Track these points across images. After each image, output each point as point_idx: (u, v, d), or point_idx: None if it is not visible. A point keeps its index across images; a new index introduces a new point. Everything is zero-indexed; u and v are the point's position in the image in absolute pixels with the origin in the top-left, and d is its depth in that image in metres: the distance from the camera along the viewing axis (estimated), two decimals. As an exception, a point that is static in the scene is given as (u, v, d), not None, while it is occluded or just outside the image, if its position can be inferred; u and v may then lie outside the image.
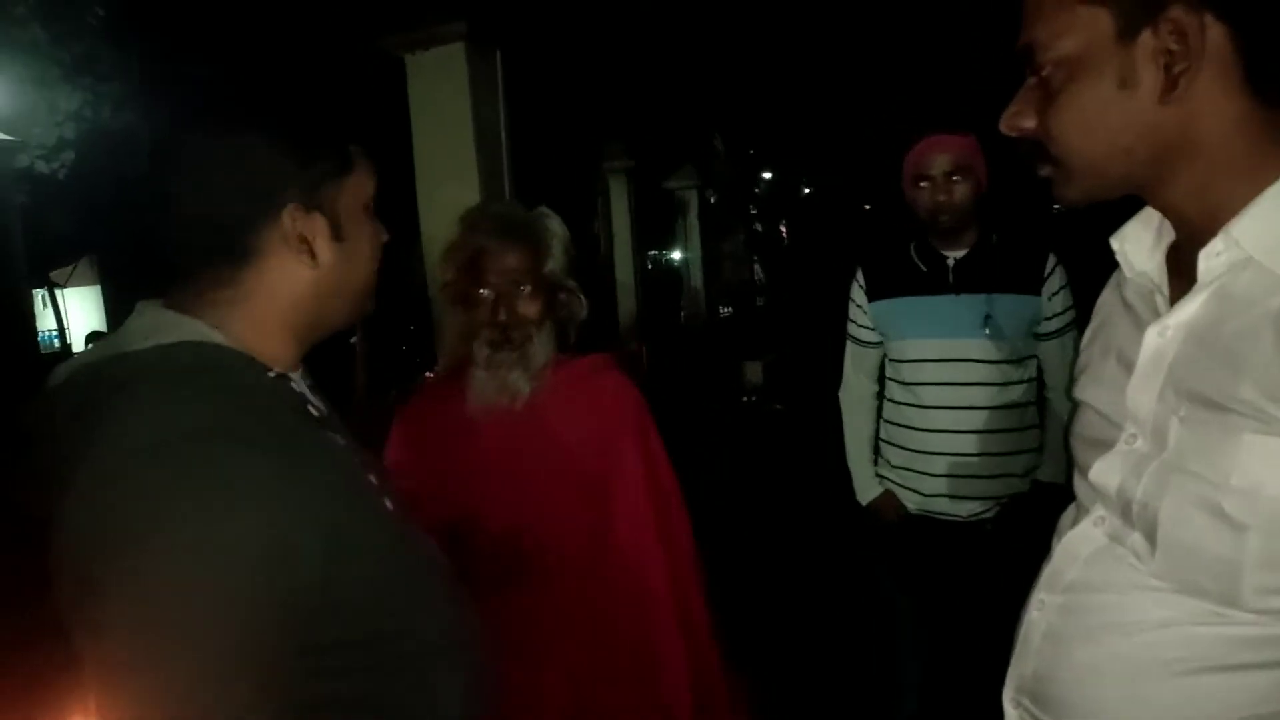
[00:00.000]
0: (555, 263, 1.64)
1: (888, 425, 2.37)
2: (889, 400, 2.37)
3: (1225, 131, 0.84)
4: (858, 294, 2.38)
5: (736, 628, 1.83)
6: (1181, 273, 0.91)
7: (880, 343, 2.36)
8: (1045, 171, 0.91)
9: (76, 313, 12.85)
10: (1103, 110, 0.84)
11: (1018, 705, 1.01)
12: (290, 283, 0.97)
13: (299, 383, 1.02)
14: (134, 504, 0.80)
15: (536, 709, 1.52)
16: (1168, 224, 0.95)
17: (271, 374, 0.97)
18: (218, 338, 0.94)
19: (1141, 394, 0.90)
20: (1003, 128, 0.93)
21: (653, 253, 11.88)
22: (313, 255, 0.97)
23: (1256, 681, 0.81)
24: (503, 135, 3.80)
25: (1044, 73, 0.87)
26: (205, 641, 0.80)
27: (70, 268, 12.68)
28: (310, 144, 0.97)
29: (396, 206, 1.43)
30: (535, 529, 1.58)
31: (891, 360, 2.33)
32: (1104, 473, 0.93)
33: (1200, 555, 0.82)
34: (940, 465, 2.22)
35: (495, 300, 1.59)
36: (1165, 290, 0.94)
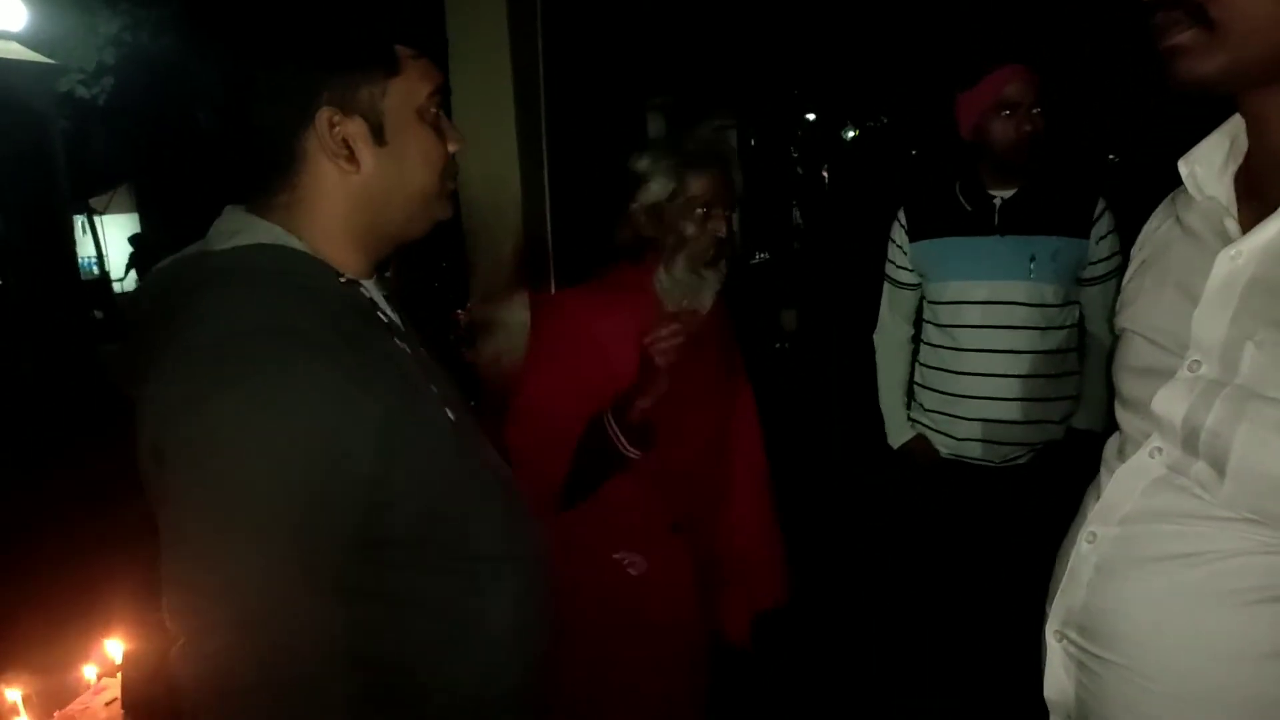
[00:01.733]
0: (738, 191, 1.78)
1: (922, 369, 2.34)
2: (925, 343, 2.33)
3: None
4: (898, 234, 2.33)
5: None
6: (1254, 195, 0.87)
7: (918, 285, 2.32)
8: (1184, 39, 0.83)
9: (115, 239, 13.01)
10: None
11: (1062, 639, 1.00)
12: (339, 188, 0.98)
13: (370, 289, 1.04)
14: (205, 390, 0.84)
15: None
16: (1240, 146, 0.91)
17: (342, 279, 1.00)
18: (293, 242, 0.97)
19: (1211, 320, 0.87)
20: None
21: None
22: (353, 160, 0.97)
23: None
24: (540, 70, 3.73)
25: None
26: (260, 520, 0.85)
27: (109, 195, 12.82)
28: (342, 45, 0.96)
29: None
30: (702, 435, 1.82)
31: (930, 303, 2.29)
32: (1168, 401, 0.90)
33: (1277, 482, 0.80)
34: (975, 409, 2.19)
35: (707, 217, 1.71)
36: (1235, 214, 0.90)
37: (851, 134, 14.15)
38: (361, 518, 0.91)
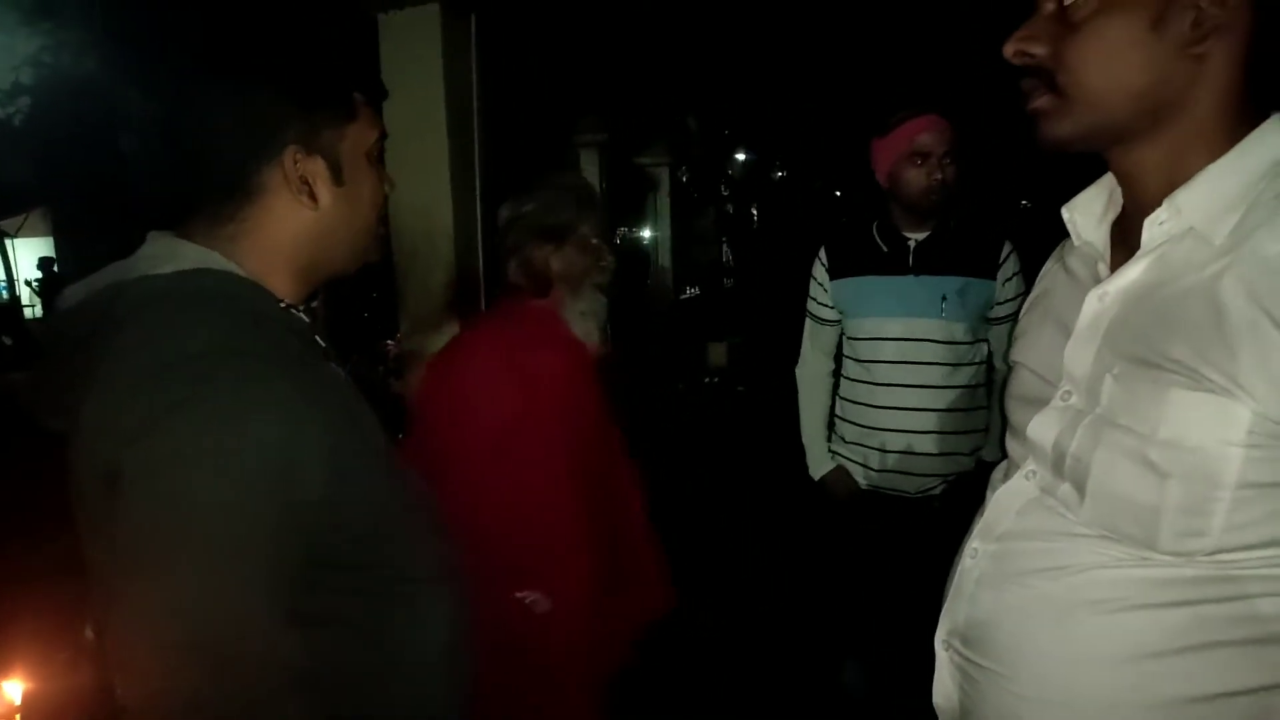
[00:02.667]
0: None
1: (842, 402, 2.42)
2: (845, 378, 2.41)
3: (1214, 102, 0.88)
4: (819, 272, 2.41)
5: (697, 600, 1.92)
6: (1124, 244, 0.96)
7: (838, 321, 2.40)
8: (1042, 103, 0.92)
9: (26, 263, 12.53)
10: (1128, 47, 0.87)
11: (948, 648, 1.06)
12: (291, 222, 1.01)
13: (304, 316, 1.07)
14: (161, 413, 0.84)
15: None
16: (1116, 198, 1.00)
17: (282, 304, 1.02)
18: (234, 268, 0.99)
19: (1078, 354, 0.96)
20: (1008, 51, 0.94)
21: (621, 229, 11.82)
22: (313, 197, 1.00)
23: (1171, 618, 0.87)
24: (474, 102, 3.76)
25: (1067, 2, 0.89)
26: (219, 541, 0.85)
27: (22, 218, 12.36)
28: (313, 88, 0.99)
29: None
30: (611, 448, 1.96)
31: (849, 338, 2.37)
32: (1040, 428, 0.98)
33: (1127, 503, 0.87)
34: (892, 442, 2.27)
35: (600, 249, 1.87)
36: (1107, 259, 0.99)
37: (780, 174, 14.48)
38: (312, 539, 0.92)
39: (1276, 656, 0.85)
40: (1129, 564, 0.89)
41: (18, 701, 1.58)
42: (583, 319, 1.83)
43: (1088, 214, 1.03)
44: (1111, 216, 1.01)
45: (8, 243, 11.95)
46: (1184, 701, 0.87)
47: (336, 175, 1.01)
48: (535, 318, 1.83)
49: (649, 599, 1.99)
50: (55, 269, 11.65)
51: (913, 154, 2.20)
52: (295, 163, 0.98)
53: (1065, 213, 1.05)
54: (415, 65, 3.55)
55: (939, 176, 2.17)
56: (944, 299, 2.20)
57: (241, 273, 0.99)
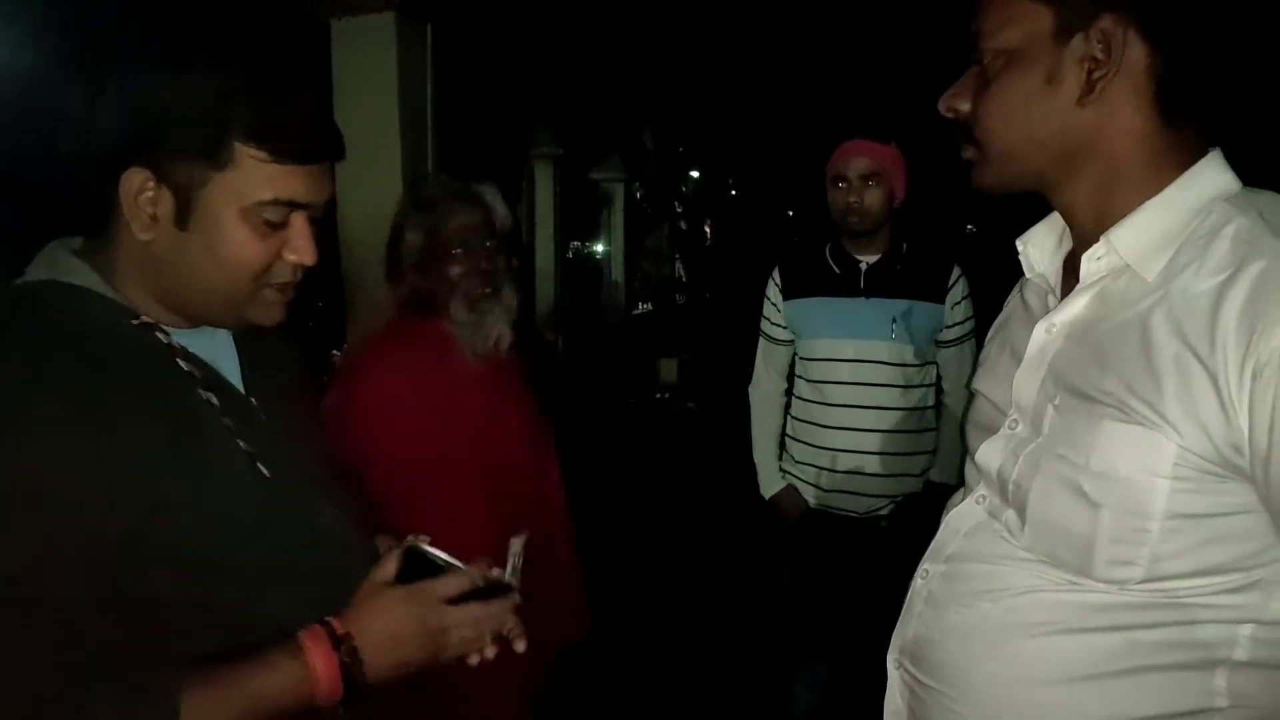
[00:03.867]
0: (500, 221, 1.80)
1: (794, 422, 2.43)
2: (796, 397, 2.43)
3: (1127, 142, 0.91)
4: (773, 292, 2.43)
5: (643, 619, 1.88)
6: (1074, 277, 0.97)
7: (791, 341, 2.42)
8: (968, 154, 0.98)
9: (-41, 264, 12.12)
10: (1026, 102, 0.91)
11: (899, 666, 1.08)
12: (132, 244, 0.94)
13: (171, 337, 0.99)
14: None
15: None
16: (1069, 232, 1.02)
17: (136, 322, 0.96)
18: (87, 279, 0.95)
19: (1025, 384, 0.98)
20: (940, 108, 0.99)
21: (575, 243, 11.81)
22: (149, 228, 0.93)
23: (1104, 642, 0.89)
24: (429, 112, 3.73)
25: (985, 60, 0.94)
26: None
27: (-45, 216, 11.95)
28: (170, 118, 0.91)
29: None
30: (525, 479, 1.82)
31: (801, 359, 2.39)
32: (987, 454, 1.01)
33: (1062, 530, 0.90)
34: (841, 462, 2.29)
35: (467, 257, 1.74)
36: (1058, 291, 1.02)
37: (733, 192, 14.61)
38: (109, 576, 0.85)
39: (1206, 682, 0.86)
40: (1065, 589, 0.91)
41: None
42: (469, 330, 1.74)
43: (1041, 247, 1.06)
44: (1065, 250, 1.04)
45: (-63, 241, 11.53)
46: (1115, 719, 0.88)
47: (180, 217, 0.93)
48: (417, 338, 1.76)
49: (566, 623, 1.91)
50: (-13, 270, 11.28)
51: (833, 177, 2.26)
52: (140, 188, 0.91)
53: (1019, 245, 1.07)
54: (369, 73, 3.50)
55: (853, 200, 2.22)
56: (894, 321, 2.23)
57: (98, 285, 0.95)
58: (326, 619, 0.97)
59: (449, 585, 1.03)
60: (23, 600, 0.80)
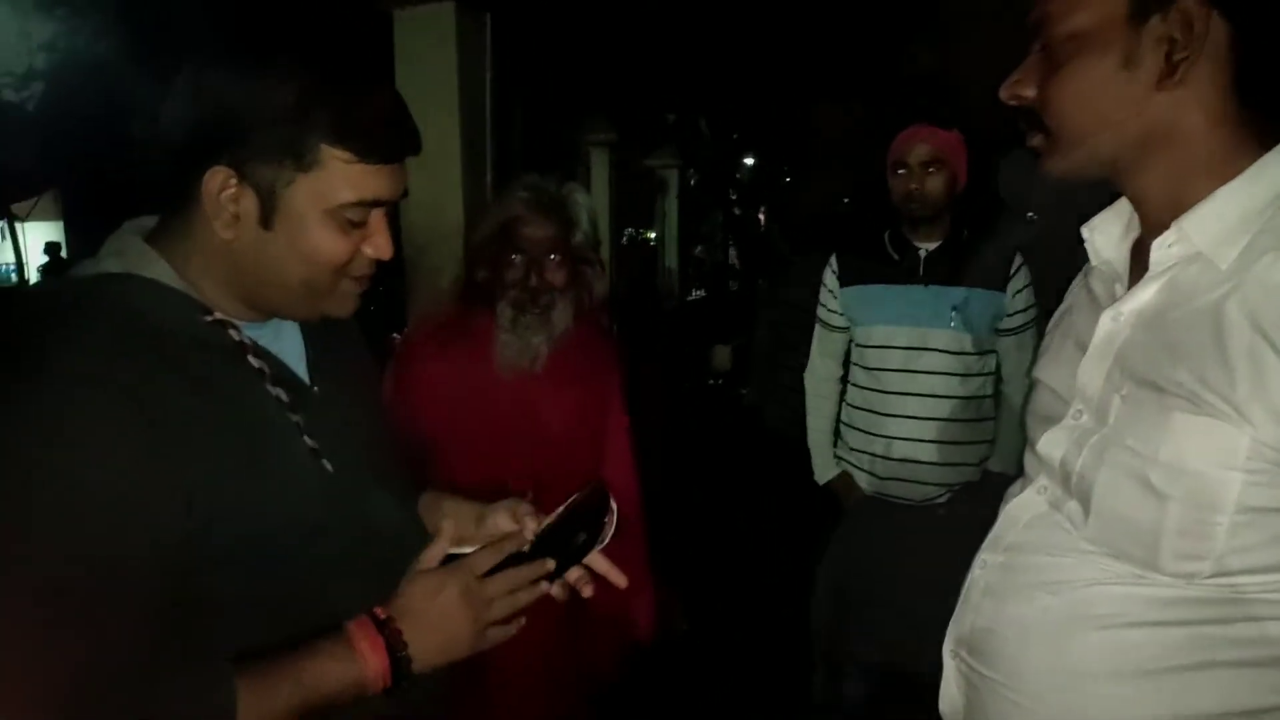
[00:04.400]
0: (582, 236, 1.75)
1: (849, 409, 2.42)
2: (852, 384, 2.42)
3: (1206, 126, 0.89)
4: (830, 279, 2.42)
5: (698, 601, 1.87)
6: (1142, 264, 0.96)
7: (847, 328, 2.41)
8: (1036, 141, 0.96)
9: (37, 246, 12.56)
10: (1103, 86, 0.89)
11: (956, 657, 1.07)
12: (212, 241, 0.95)
13: (243, 333, 1.01)
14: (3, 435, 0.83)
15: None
16: (1136, 219, 1.01)
17: (209, 318, 0.97)
18: (163, 272, 0.96)
19: (1091, 373, 0.97)
20: (1003, 95, 0.97)
21: (629, 230, 11.82)
22: (232, 226, 0.94)
23: (1170, 637, 0.88)
24: (487, 99, 3.77)
25: (1052, 45, 0.91)
26: (48, 589, 0.81)
27: (33, 201, 12.38)
28: (254, 118, 0.92)
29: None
30: (553, 486, 1.66)
31: (857, 345, 2.38)
32: (1050, 444, 0.99)
33: (1128, 523, 0.88)
34: (897, 449, 2.27)
35: (526, 266, 1.70)
36: (1125, 279, 1.00)
37: (788, 179, 14.49)
38: (178, 576, 0.87)
39: (1275, 679, 0.85)
40: (1130, 581, 0.90)
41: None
42: (506, 341, 1.70)
43: (1107, 234, 1.04)
44: (1132, 237, 1.02)
45: (19, 226, 11.97)
46: (1176, 717, 0.87)
47: (264, 217, 0.94)
48: (464, 330, 1.75)
49: (626, 628, 1.86)
50: (62, 254, 11.66)
51: (894, 164, 2.25)
52: (223, 186, 0.93)
53: (1085, 232, 1.06)
54: (429, 62, 3.56)
55: (914, 186, 2.21)
56: (954, 309, 2.21)
57: (170, 279, 0.96)
58: (373, 609, 0.99)
59: (483, 559, 1.05)
60: (90, 594, 0.83)
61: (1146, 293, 0.93)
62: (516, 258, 1.70)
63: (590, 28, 5.51)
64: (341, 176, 0.95)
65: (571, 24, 5.32)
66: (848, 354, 2.45)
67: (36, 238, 12.64)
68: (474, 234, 1.77)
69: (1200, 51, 0.86)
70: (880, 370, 2.29)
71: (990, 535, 1.06)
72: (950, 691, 1.09)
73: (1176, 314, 0.89)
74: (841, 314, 2.40)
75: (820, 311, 2.47)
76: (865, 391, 2.34)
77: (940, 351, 2.22)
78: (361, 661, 0.95)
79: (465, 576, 1.03)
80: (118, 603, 0.84)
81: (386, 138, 0.97)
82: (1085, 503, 0.93)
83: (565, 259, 1.72)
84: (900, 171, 2.23)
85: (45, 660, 0.81)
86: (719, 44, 6.24)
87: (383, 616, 0.99)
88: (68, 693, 0.81)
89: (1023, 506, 1.03)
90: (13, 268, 11.91)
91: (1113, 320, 0.96)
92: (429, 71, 3.53)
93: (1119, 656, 0.90)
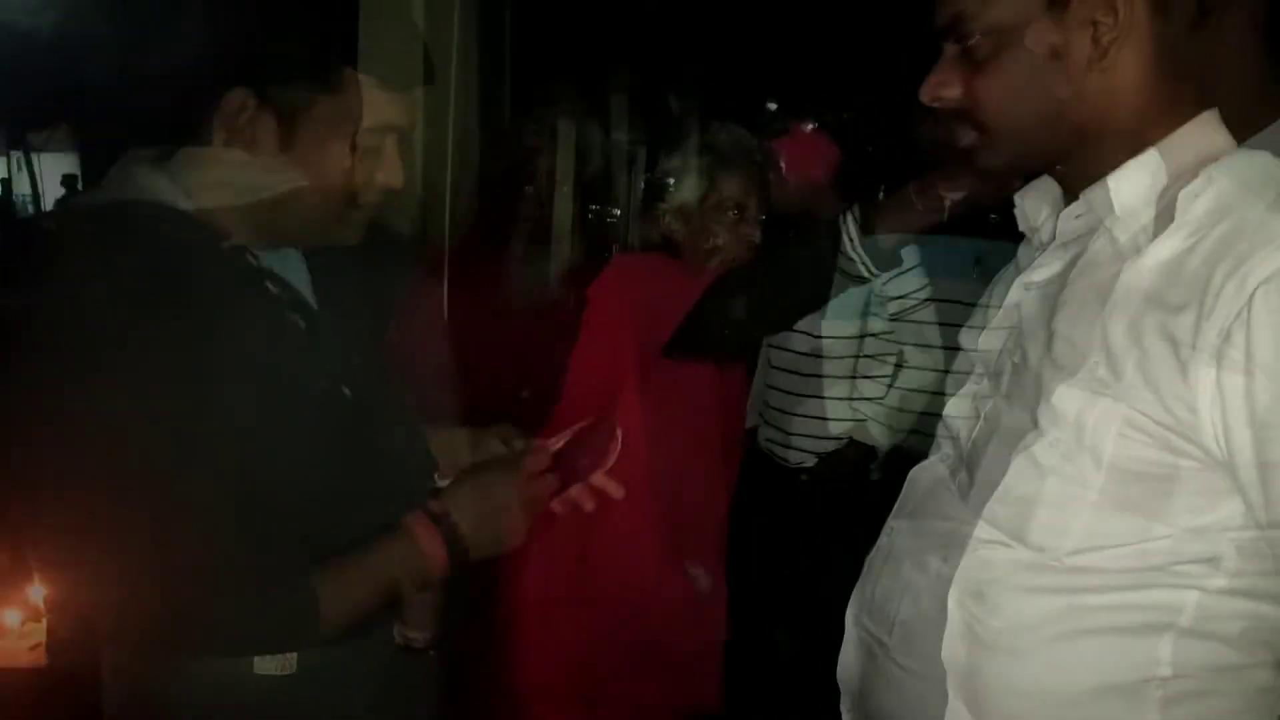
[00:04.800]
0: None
1: None
2: None
3: (1134, 105, 0.89)
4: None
5: None
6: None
7: None
8: (969, 140, 0.95)
9: (52, 177, 12.61)
10: (1034, 78, 0.89)
11: (858, 624, 1.09)
12: (229, 166, 0.97)
13: (262, 259, 1.04)
14: (41, 353, 0.89)
15: None
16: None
17: (227, 244, 1.01)
18: (176, 198, 0.98)
19: (992, 339, 0.99)
20: (924, 98, 0.96)
21: (595, 207, 11.67)
22: (250, 145, 0.96)
23: (1046, 605, 0.90)
24: (453, 62, 3.68)
25: (970, 41, 0.90)
26: (98, 469, 0.90)
27: (48, 131, 12.39)
28: (279, 39, 0.95)
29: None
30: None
31: None
32: (954, 410, 1.03)
33: (1004, 491, 0.90)
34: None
35: (750, 224, 1.69)
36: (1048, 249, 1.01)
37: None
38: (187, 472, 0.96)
39: (1150, 650, 0.85)
40: (1009, 548, 0.91)
41: (41, 606, 1.61)
42: (515, 269, 1.75)
43: (1035, 205, 1.04)
44: (1059, 209, 1.01)
45: (34, 157, 11.99)
46: (1056, 687, 0.89)
47: (284, 139, 0.95)
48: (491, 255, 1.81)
49: (696, 685, 1.70)
50: (78, 186, 11.71)
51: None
52: (241, 107, 0.93)
53: (1016, 199, 1.06)
54: (396, 20, 3.45)
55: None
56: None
57: (182, 204, 0.97)
58: (428, 505, 1.11)
59: (536, 459, 1.16)
60: (169, 497, 0.91)
61: (1052, 264, 0.94)
62: (734, 214, 1.69)
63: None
64: (361, 100, 0.98)
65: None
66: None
67: (52, 170, 12.69)
68: (667, 191, 1.74)
69: (1129, 28, 0.85)
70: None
71: (897, 502, 1.08)
72: (848, 659, 1.10)
73: (1074, 286, 0.90)
74: None
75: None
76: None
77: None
78: (422, 550, 1.05)
79: (514, 474, 1.13)
80: (191, 504, 0.92)
81: (406, 62, 1.03)
82: (972, 469, 0.94)
83: (763, 214, 1.73)
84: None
85: (155, 552, 0.90)
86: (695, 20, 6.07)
87: (437, 510, 1.09)
88: (176, 581, 0.90)
89: (924, 472, 1.05)
90: (29, 198, 11.98)
91: (1022, 289, 0.96)
92: (393, 31, 3.44)
93: (999, 623, 0.91)
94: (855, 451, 2.36)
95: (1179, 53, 0.88)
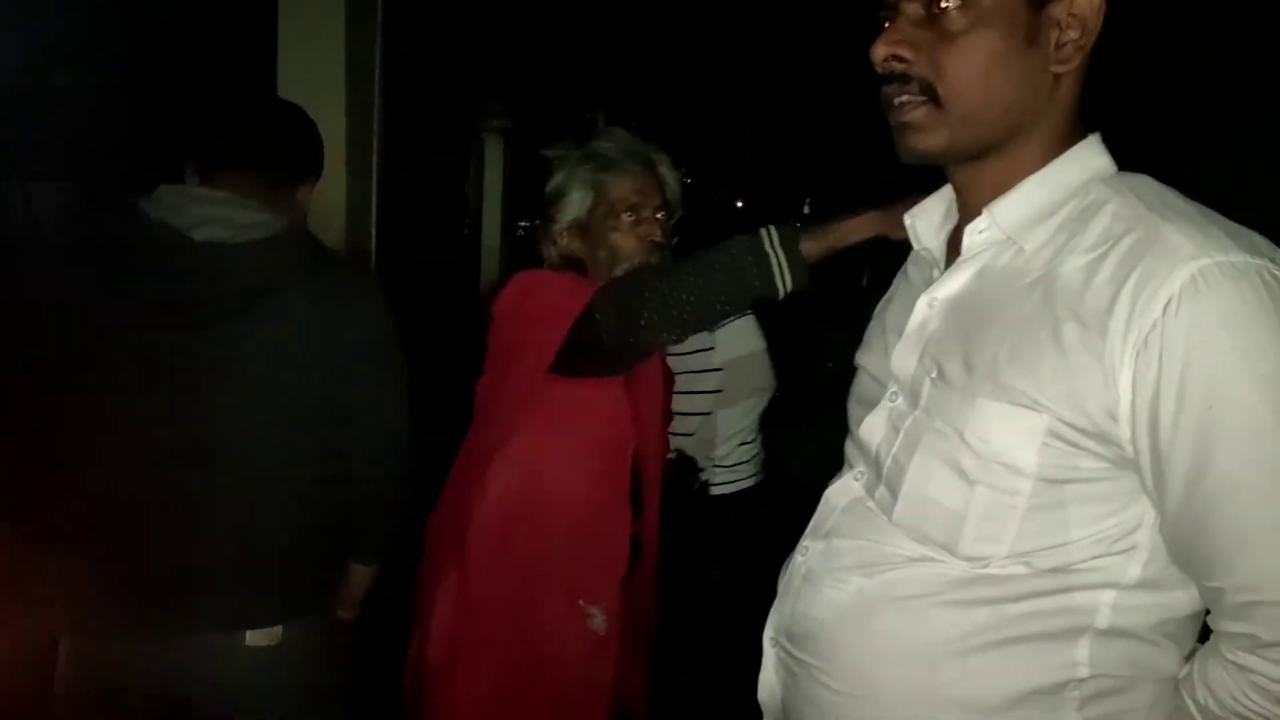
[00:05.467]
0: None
1: None
2: None
3: (1060, 118, 0.92)
4: None
5: None
6: (958, 251, 0.98)
7: None
8: (916, 115, 0.92)
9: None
10: (1007, 60, 0.88)
11: (776, 644, 1.08)
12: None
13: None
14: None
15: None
16: (955, 206, 1.03)
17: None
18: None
19: (905, 357, 0.99)
20: (879, 56, 0.92)
21: (523, 222, 11.69)
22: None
23: (973, 616, 0.90)
24: (376, 74, 3.63)
25: (944, 9, 0.88)
26: None
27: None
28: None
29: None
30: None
31: None
32: (869, 428, 1.02)
33: (935, 505, 0.91)
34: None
35: (649, 222, 1.60)
36: (943, 266, 1.03)
37: (687, 180, 14.59)
38: None
39: (1069, 652, 0.88)
40: (933, 563, 0.92)
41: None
42: None
43: (928, 221, 1.06)
44: (950, 225, 1.05)
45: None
46: (981, 695, 0.90)
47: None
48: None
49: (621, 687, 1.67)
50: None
51: None
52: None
53: (907, 219, 1.08)
54: (315, 36, 3.40)
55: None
56: None
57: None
58: None
59: None
60: None
61: (959, 278, 0.96)
62: (629, 216, 1.61)
63: (490, 11, 5.39)
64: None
65: (472, 5, 5.19)
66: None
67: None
68: (556, 210, 1.68)
69: (1085, 45, 0.88)
70: None
71: (812, 521, 1.07)
72: (769, 680, 1.09)
73: (984, 300, 0.92)
74: None
75: None
76: None
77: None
78: None
79: None
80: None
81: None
82: (895, 486, 0.94)
83: (667, 211, 1.69)
84: None
85: None
86: (622, 37, 6.21)
87: None
88: None
89: (840, 491, 1.05)
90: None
91: (928, 306, 0.98)
92: (315, 49, 3.37)
93: (923, 636, 0.92)
94: (678, 462, 2.29)
95: (1085, 78, 0.93)
